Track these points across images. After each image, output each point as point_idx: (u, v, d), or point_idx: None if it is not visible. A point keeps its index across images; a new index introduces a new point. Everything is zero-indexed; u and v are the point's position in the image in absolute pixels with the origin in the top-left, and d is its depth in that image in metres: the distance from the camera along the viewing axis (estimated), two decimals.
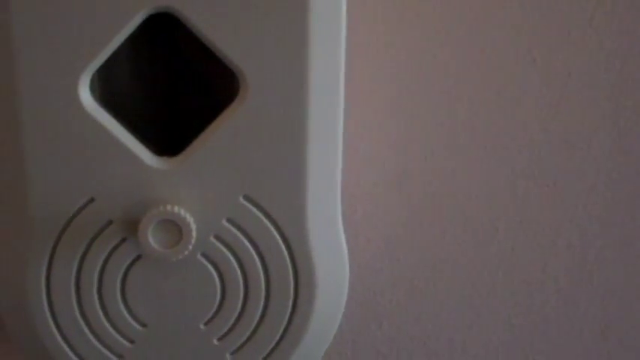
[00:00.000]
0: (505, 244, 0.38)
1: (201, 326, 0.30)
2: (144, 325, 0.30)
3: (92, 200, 0.28)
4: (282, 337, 0.31)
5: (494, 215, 0.37)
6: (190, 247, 0.28)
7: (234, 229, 0.29)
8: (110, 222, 0.29)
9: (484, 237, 0.37)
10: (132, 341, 0.30)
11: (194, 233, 0.28)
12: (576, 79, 0.35)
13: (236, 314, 0.30)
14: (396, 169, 0.36)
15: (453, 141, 0.36)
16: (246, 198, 0.29)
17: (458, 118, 0.35)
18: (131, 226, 0.29)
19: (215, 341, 0.31)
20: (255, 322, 0.30)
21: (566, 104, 0.36)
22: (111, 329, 0.30)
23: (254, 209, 0.29)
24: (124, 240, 0.29)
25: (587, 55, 0.35)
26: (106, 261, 0.29)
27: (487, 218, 0.37)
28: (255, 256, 0.30)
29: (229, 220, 0.29)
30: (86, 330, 0.30)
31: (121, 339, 0.30)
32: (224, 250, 0.29)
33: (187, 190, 0.28)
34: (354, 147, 0.35)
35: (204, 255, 0.29)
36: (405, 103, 0.35)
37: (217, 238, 0.29)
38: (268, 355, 0.31)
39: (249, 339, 0.31)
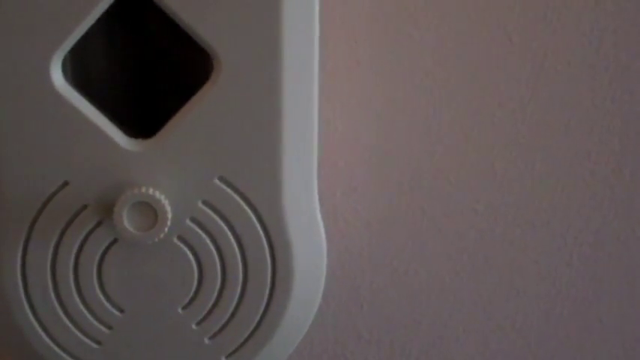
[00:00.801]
0: (485, 227, 0.38)
1: (180, 310, 0.30)
2: (121, 310, 0.30)
3: (66, 184, 0.28)
4: (260, 321, 0.31)
5: (473, 197, 0.37)
6: (166, 229, 0.28)
7: (210, 212, 0.29)
8: (85, 206, 0.29)
9: (464, 219, 0.37)
10: (110, 327, 0.30)
11: (169, 215, 0.28)
12: (553, 58, 0.35)
13: (214, 298, 0.30)
14: (376, 152, 0.36)
15: (432, 123, 0.36)
16: (222, 179, 0.29)
17: (436, 99, 0.35)
18: (106, 210, 0.28)
19: (194, 326, 0.30)
20: (234, 305, 0.30)
21: (543, 84, 0.36)
22: (88, 315, 0.30)
23: (229, 191, 0.29)
24: (99, 224, 0.29)
25: (563, 34, 0.35)
26: (81, 245, 0.29)
27: (467, 200, 0.37)
28: (232, 239, 0.29)
29: (205, 203, 0.29)
30: (63, 316, 0.30)
31: (98, 325, 0.30)
32: (200, 232, 0.29)
33: (162, 173, 0.28)
34: (332, 129, 0.35)
35: (180, 238, 0.29)
36: (383, 85, 0.35)
37: (193, 220, 0.29)
38: (247, 338, 0.31)
39: (227, 323, 0.30)
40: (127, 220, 0.28)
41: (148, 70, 0.29)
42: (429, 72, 0.35)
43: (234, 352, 0.31)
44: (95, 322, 0.30)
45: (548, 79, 0.36)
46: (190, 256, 0.29)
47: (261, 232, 0.29)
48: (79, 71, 0.29)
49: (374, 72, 0.35)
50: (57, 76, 0.27)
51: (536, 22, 0.35)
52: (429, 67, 0.35)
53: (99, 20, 0.27)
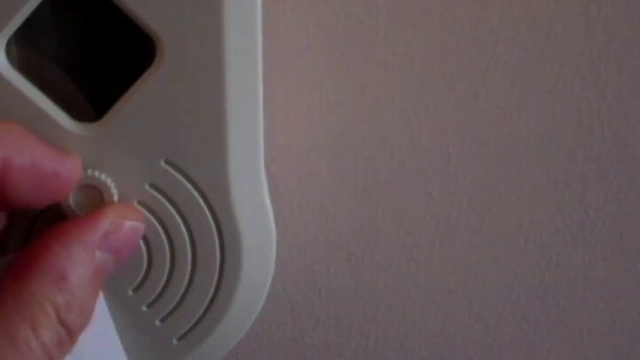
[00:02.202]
0: (440, 211, 0.38)
1: (130, 293, 0.30)
2: None
3: None
4: (210, 303, 0.31)
5: (427, 182, 0.37)
6: None
7: (157, 194, 0.29)
8: None
9: (419, 204, 0.38)
10: None
11: (115, 198, 0.28)
12: (504, 43, 0.36)
13: (163, 280, 0.30)
14: (330, 137, 0.36)
15: (385, 107, 0.36)
16: (168, 162, 0.29)
17: (388, 84, 0.36)
18: None
19: (144, 308, 0.31)
20: (183, 287, 0.31)
21: (496, 69, 0.36)
22: None
23: (176, 173, 0.29)
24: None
25: (515, 19, 0.35)
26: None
27: (421, 185, 0.37)
28: (180, 221, 0.30)
29: (152, 185, 0.29)
30: None
31: None
32: (149, 215, 0.29)
33: (108, 156, 0.29)
34: (285, 114, 0.35)
35: None
36: (336, 70, 0.35)
37: (141, 203, 0.29)
38: (198, 321, 0.31)
39: (177, 305, 0.31)
40: (73, 203, 0.28)
41: (94, 54, 0.30)
42: (381, 57, 0.35)
43: (185, 334, 0.31)
44: None
45: (501, 63, 0.36)
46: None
47: (208, 214, 0.30)
48: (24, 55, 0.29)
49: (325, 57, 0.35)
50: (1, 60, 0.27)
51: (488, 7, 0.35)
52: (381, 53, 0.35)
53: (44, 3, 0.27)
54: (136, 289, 0.30)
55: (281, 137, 0.36)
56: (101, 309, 0.28)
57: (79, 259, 0.26)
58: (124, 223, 0.28)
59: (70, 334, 0.25)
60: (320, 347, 0.40)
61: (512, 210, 0.39)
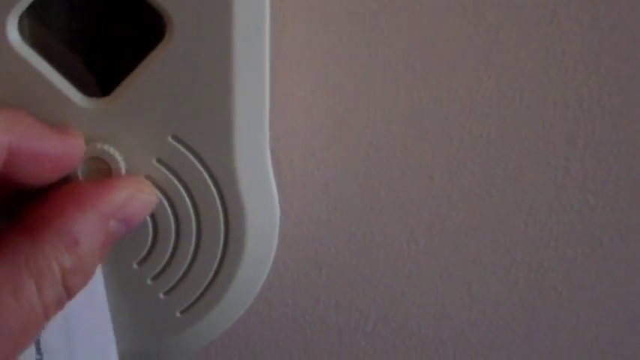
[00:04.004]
0: (441, 193, 0.39)
1: (135, 266, 0.31)
2: None
3: None
4: (214, 277, 0.32)
5: (429, 164, 0.38)
6: None
7: (164, 169, 0.30)
8: None
9: (420, 186, 0.38)
10: None
11: (123, 171, 0.29)
12: (508, 29, 0.36)
13: (168, 254, 0.31)
14: (333, 118, 0.37)
15: (388, 90, 0.37)
16: (175, 138, 0.29)
17: (392, 66, 0.36)
18: None
19: (149, 281, 0.31)
20: (188, 261, 0.31)
21: (498, 54, 0.36)
22: None
23: (182, 149, 0.30)
24: None
25: (518, 4, 0.36)
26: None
27: (423, 167, 0.38)
28: (186, 196, 0.30)
29: (159, 160, 0.30)
30: None
31: None
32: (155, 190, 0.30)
33: (117, 130, 0.29)
34: (290, 95, 0.36)
35: None
36: (340, 51, 0.36)
37: (148, 178, 0.30)
38: (201, 294, 0.32)
39: (181, 279, 0.31)
40: (82, 176, 0.29)
41: (105, 30, 0.30)
42: (384, 42, 0.36)
43: (188, 307, 0.32)
44: None
45: (503, 49, 0.36)
46: None
47: (213, 190, 0.30)
48: (36, 31, 0.29)
49: (330, 38, 0.35)
50: (13, 35, 0.28)
51: None
52: (385, 35, 0.36)
53: None
54: (140, 263, 0.31)
55: (285, 119, 0.36)
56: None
57: (94, 227, 0.27)
58: (140, 196, 0.29)
59: (69, 296, 0.26)
60: (320, 326, 0.41)
61: (512, 195, 0.39)
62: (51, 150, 0.27)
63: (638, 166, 0.39)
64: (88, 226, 0.26)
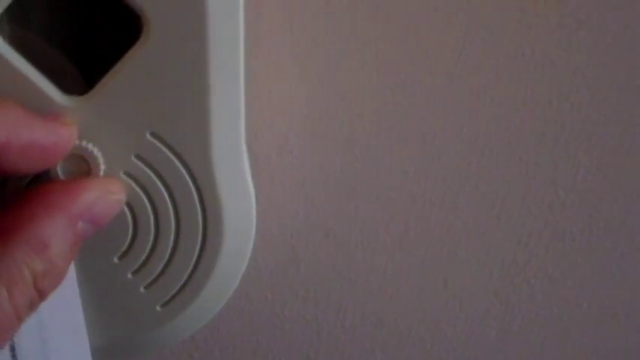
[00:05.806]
0: (415, 189, 0.39)
1: (115, 260, 0.32)
2: None
3: None
4: (193, 270, 0.32)
5: (403, 160, 0.39)
6: None
7: (142, 165, 0.30)
8: None
9: (395, 181, 0.39)
10: None
11: (102, 167, 0.30)
12: (480, 21, 0.37)
13: (148, 248, 0.32)
14: (310, 115, 0.38)
15: (363, 86, 0.37)
16: (153, 135, 0.30)
17: (368, 64, 0.37)
18: None
19: (129, 275, 0.32)
20: (167, 256, 0.32)
21: (471, 47, 0.37)
22: None
23: (161, 146, 0.30)
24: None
25: (486, 2, 0.37)
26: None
27: (397, 163, 0.39)
28: (164, 192, 0.31)
29: (138, 157, 0.30)
30: None
31: None
32: (134, 186, 0.31)
33: (96, 128, 0.30)
34: (267, 92, 0.37)
35: None
36: (316, 48, 0.37)
37: (127, 174, 0.31)
38: (181, 288, 0.32)
39: (161, 273, 0.32)
40: (61, 172, 0.29)
41: (83, 29, 0.31)
42: (360, 36, 0.37)
43: (168, 301, 0.32)
44: None
45: (474, 46, 0.37)
46: (125, 209, 0.31)
47: (191, 185, 0.31)
48: (15, 30, 0.30)
49: (306, 35, 0.36)
50: None
51: None
52: (360, 32, 0.37)
53: None
54: (121, 257, 0.32)
55: (263, 115, 0.37)
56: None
57: (62, 230, 0.27)
58: (108, 197, 0.29)
59: (41, 298, 0.26)
60: (299, 320, 0.42)
61: (485, 189, 0.40)
62: (41, 140, 0.27)
63: (607, 161, 0.40)
64: (57, 229, 0.27)
